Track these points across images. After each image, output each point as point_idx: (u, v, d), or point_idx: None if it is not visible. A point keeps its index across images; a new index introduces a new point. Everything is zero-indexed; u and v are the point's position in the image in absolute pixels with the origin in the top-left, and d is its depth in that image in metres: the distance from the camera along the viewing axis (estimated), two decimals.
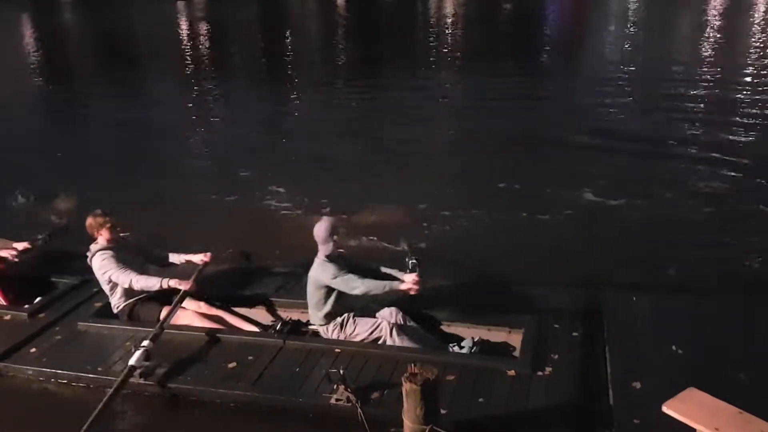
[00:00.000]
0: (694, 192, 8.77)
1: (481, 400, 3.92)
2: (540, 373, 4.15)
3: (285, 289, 5.51)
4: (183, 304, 4.96)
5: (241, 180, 9.80)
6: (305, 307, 5.23)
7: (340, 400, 3.95)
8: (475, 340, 4.71)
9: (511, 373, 4.16)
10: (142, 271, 5.03)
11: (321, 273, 4.61)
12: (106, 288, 5.06)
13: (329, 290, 4.64)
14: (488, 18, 36.08)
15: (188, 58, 25.05)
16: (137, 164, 10.88)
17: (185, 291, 4.87)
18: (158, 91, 18.78)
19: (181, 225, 8.06)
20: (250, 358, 4.54)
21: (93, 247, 5.02)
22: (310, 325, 5.21)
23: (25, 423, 4.18)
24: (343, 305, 4.72)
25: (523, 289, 5.31)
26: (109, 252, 4.94)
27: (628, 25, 29.67)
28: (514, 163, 10.17)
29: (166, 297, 4.98)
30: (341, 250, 4.85)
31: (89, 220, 4.98)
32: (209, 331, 4.89)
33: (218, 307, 5.34)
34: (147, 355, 4.34)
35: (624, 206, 8.35)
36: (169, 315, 4.74)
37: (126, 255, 5.04)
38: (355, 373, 4.18)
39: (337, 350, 4.53)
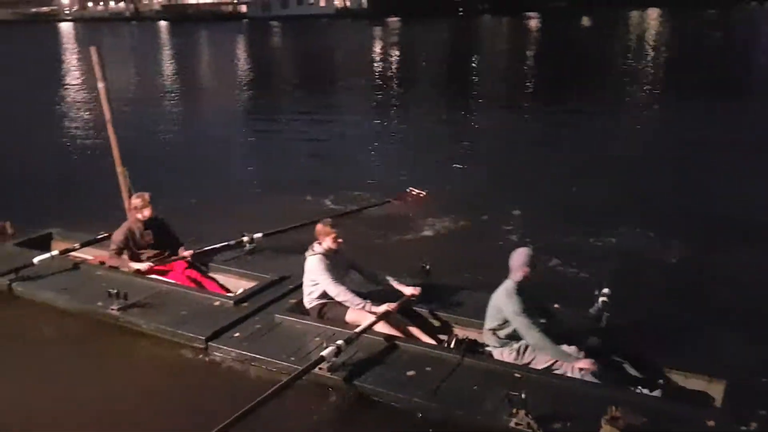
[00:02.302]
0: None
1: None
2: (744, 428, 3.74)
3: (462, 306, 5.53)
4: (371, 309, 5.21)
5: (430, 198, 9.96)
6: (482, 327, 5.23)
7: (520, 425, 3.86)
8: (670, 384, 4.37)
9: (711, 423, 3.81)
10: (343, 281, 5.39)
11: (505, 302, 4.63)
12: (308, 286, 5.45)
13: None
14: (692, 44, 33.68)
15: (378, 77, 26.30)
16: (323, 176, 11.49)
17: (384, 312, 5.12)
18: (349, 108, 19.88)
19: (369, 236, 8.37)
20: (428, 369, 4.61)
21: (315, 247, 5.42)
22: (486, 346, 5.19)
23: (225, 395, 4.60)
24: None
25: (727, 334, 4.85)
26: (325, 259, 5.34)
27: None
28: (721, 192, 9.47)
29: None
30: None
31: (319, 226, 5.42)
32: (390, 338, 5.05)
33: (399, 318, 5.51)
34: (337, 352, 4.61)
35: None
36: (367, 328, 4.99)
37: (336, 264, 5.41)
38: (538, 400, 4.04)
39: (517, 375, 4.45)
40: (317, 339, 5.06)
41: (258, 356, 4.96)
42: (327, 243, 5.35)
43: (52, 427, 4.44)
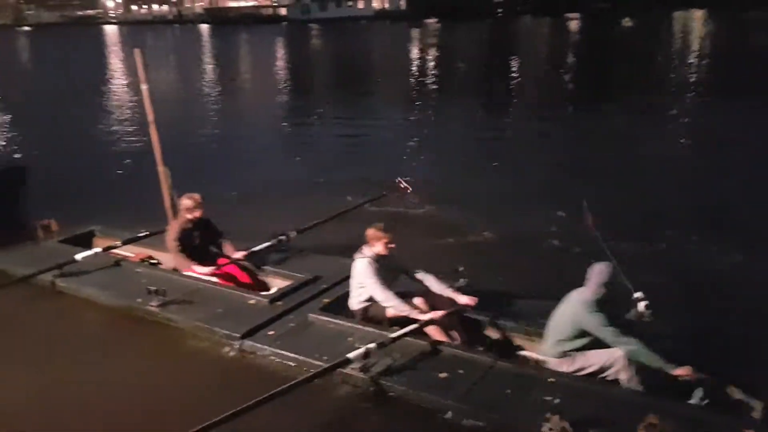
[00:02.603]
0: None
1: None
2: None
3: (497, 310, 5.48)
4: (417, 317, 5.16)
5: (466, 201, 9.88)
6: (517, 331, 5.24)
7: (554, 430, 3.82)
8: (708, 393, 4.27)
9: None
10: (390, 286, 5.34)
11: (585, 316, 4.51)
12: (355, 288, 5.46)
13: (585, 332, 4.55)
14: (738, 46, 32.81)
15: (416, 79, 26.28)
16: (358, 175, 11.47)
17: (428, 320, 5.08)
18: (386, 109, 19.89)
19: (410, 241, 8.34)
20: (461, 371, 4.59)
21: (365, 251, 5.43)
22: (521, 350, 5.16)
23: (257, 391, 4.64)
24: (589, 345, 4.59)
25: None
26: (374, 263, 5.33)
27: None
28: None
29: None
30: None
31: (371, 231, 5.41)
32: (424, 340, 5.03)
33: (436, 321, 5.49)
34: (367, 354, 4.63)
35: None
36: (405, 334, 4.95)
37: (385, 268, 5.40)
38: (572, 406, 4.01)
39: (551, 380, 4.41)
40: (350, 339, 5.08)
41: (290, 354, 5.01)
42: (377, 248, 5.34)
43: (92, 418, 4.56)
